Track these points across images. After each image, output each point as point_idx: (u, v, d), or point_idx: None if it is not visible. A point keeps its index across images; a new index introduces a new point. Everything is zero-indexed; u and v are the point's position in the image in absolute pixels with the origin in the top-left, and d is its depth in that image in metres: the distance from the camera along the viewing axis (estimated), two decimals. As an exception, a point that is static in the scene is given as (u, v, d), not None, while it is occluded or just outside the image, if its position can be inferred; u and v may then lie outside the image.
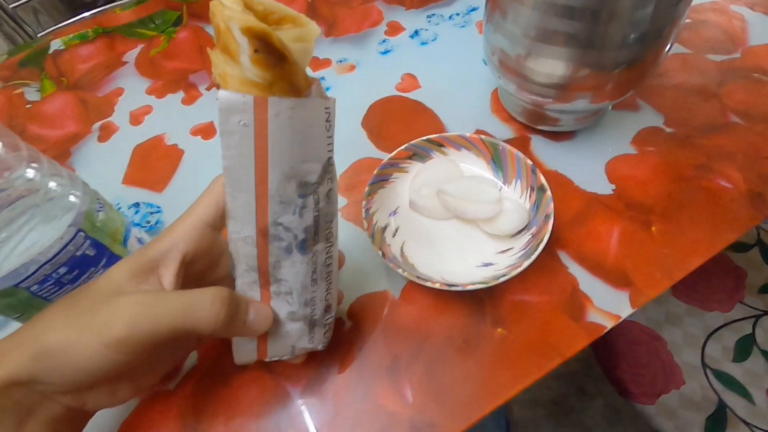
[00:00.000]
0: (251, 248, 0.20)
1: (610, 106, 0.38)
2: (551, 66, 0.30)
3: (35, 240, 0.23)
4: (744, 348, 0.57)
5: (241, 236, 0.20)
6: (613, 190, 0.34)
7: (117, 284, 0.20)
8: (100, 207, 0.27)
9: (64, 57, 0.52)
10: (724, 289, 0.65)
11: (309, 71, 0.19)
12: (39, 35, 1.01)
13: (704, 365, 0.59)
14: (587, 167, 0.35)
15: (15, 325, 0.26)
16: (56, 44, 0.54)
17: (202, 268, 0.23)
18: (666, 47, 0.30)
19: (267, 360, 0.24)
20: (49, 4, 1.02)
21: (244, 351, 0.24)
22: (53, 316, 0.20)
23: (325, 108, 0.19)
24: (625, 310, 0.28)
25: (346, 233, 0.34)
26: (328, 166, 0.20)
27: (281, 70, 0.17)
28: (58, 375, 0.19)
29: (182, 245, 0.22)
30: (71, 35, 0.55)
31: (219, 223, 0.23)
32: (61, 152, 0.43)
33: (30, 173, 0.23)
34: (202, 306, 0.20)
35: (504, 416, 0.65)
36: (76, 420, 0.21)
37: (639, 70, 0.30)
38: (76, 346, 0.18)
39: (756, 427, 0.51)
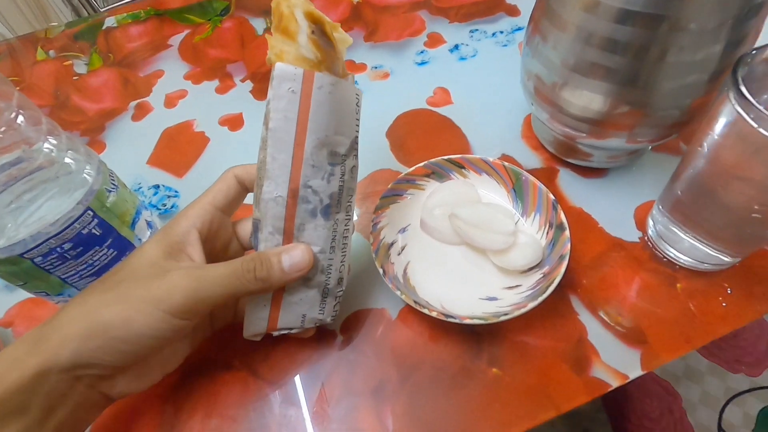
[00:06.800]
0: (280, 209, 0.22)
1: (649, 147, 0.35)
2: (587, 99, 0.28)
3: (45, 213, 0.23)
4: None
5: (273, 196, 0.22)
6: (639, 237, 0.32)
7: (156, 263, 0.21)
8: (113, 187, 0.27)
9: (115, 34, 0.54)
10: (754, 351, 0.60)
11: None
12: (103, 9, 1.06)
13: (720, 429, 0.55)
14: (615, 209, 0.33)
15: (22, 291, 0.27)
16: (110, 21, 0.56)
17: (214, 247, 0.25)
18: (720, 92, 0.28)
19: (276, 333, 0.25)
20: (115, -19, 1.07)
21: (255, 321, 0.25)
22: (101, 295, 0.20)
23: (356, 94, 0.22)
24: (634, 371, 0.26)
25: (354, 244, 0.33)
26: (355, 143, 0.23)
27: (328, 54, 0.21)
28: (112, 351, 0.20)
29: (198, 225, 0.23)
30: (125, 14, 0.57)
31: (228, 208, 0.25)
32: (97, 126, 0.44)
33: (48, 147, 0.24)
34: (240, 270, 0.22)
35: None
36: (99, 407, 0.22)
37: (685, 114, 0.28)
38: (137, 317, 0.20)
39: None
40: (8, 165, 0.23)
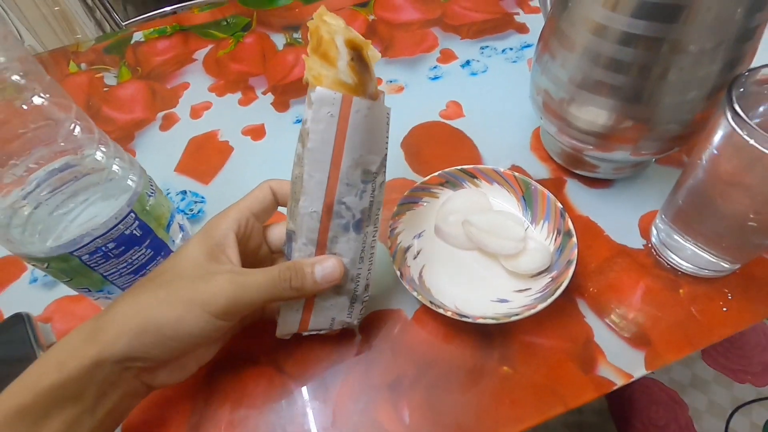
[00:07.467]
0: (315, 223, 0.24)
1: (653, 160, 0.37)
2: (593, 114, 0.30)
3: (93, 215, 0.26)
4: (775, 430, 0.53)
5: (308, 211, 0.24)
6: (644, 245, 0.33)
7: (200, 264, 0.23)
8: (152, 192, 0.29)
9: (143, 48, 0.57)
10: (761, 361, 0.61)
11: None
12: (125, 24, 1.10)
13: (727, 440, 0.55)
14: (620, 218, 0.35)
15: (64, 287, 0.29)
16: (138, 36, 0.59)
17: (247, 248, 0.27)
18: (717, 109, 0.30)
19: (305, 333, 0.27)
20: (137, -4, 1.11)
21: (288, 322, 0.26)
22: (152, 294, 0.22)
23: (387, 113, 0.24)
24: (639, 371, 0.27)
25: (371, 248, 0.35)
26: (384, 160, 0.25)
27: (364, 77, 0.22)
28: (161, 346, 0.22)
29: (235, 228, 0.25)
30: (152, 29, 0.60)
31: (261, 215, 0.27)
32: (127, 135, 0.47)
33: (99, 155, 0.26)
34: (277, 279, 0.23)
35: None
36: (141, 396, 0.24)
37: (686, 128, 0.30)
38: (186, 318, 0.22)
39: None
40: (57, 170, 0.25)
